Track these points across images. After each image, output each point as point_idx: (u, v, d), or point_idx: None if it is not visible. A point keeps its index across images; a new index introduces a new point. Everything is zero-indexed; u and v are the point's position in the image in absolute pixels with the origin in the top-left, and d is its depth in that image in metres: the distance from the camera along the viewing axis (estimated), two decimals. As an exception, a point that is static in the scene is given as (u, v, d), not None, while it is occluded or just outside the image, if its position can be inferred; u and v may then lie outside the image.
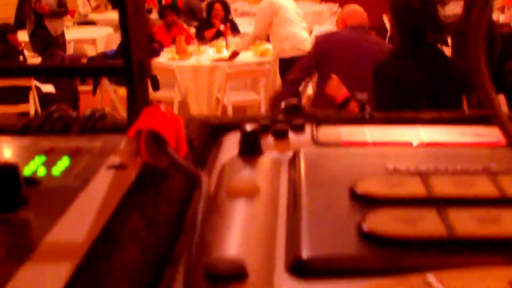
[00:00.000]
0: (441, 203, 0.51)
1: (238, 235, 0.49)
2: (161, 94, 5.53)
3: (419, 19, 2.61)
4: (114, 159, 0.61)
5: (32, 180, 0.56)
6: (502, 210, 0.51)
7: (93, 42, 7.77)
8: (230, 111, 5.17)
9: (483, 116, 0.79)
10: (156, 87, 5.61)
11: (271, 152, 0.67)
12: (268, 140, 0.70)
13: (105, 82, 5.56)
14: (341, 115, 0.83)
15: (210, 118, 0.84)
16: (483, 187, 0.55)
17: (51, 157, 0.62)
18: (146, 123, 0.61)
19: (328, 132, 0.74)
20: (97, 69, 0.75)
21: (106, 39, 7.89)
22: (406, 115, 0.82)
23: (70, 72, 0.77)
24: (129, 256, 0.48)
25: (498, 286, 0.40)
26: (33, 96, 5.29)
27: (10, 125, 0.80)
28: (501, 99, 4.49)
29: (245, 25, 7.29)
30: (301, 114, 0.81)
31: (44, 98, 5.34)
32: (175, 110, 5.24)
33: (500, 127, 0.46)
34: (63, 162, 0.60)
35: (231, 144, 0.72)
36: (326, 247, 0.47)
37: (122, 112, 5.22)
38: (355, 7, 3.72)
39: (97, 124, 0.80)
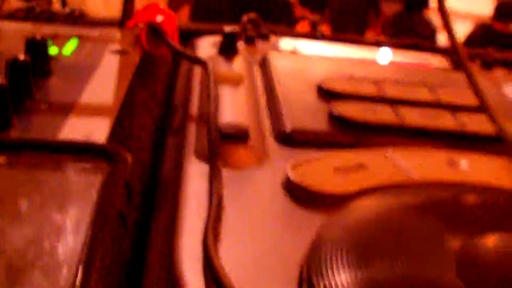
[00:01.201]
0: (392, 102, 0.65)
1: (234, 109, 0.61)
2: None
3: None
4: (116, 46, 0.70)
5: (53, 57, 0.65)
6: (439, 111, 0.65)
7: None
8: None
9: (424, 45, 0.94)
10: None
11: (243, 54, 0.78)
12: (239, 45, 0.81)
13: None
14: (297, 31, 0.95)
15: (179, 23, 0.94)
16: (424, 94, 0.69)
17: (58, 40, 0.71)
18: (147, 16, 0.70)
19: (289, 43, 0.85)
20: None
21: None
22: (355, 37, 0.95)
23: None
24: (143, 119, 0.59)
25: (437, 164, 0.54)
26: None
27: None
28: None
29: None
30: (262, 26, 0.93)
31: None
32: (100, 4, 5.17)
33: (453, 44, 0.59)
34: (72, 43, 0.69)
35: (206, 46, 0.82)
36: (304, 123, 0.60)
37: None
38: None
39: (76, 21, 0.89)
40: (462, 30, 4.96)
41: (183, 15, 2.96)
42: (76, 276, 0.32)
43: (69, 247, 0.34)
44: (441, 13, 0.59)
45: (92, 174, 0.41)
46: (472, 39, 4.74)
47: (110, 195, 0.39)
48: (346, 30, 5.13)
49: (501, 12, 4.60)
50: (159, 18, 0.70)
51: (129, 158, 0.43)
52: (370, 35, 5.35)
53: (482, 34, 4.68)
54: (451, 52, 0.58)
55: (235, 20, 0.94)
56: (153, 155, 0.58)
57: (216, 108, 0.56)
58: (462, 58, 0.58)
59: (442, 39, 5.07)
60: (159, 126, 0.63)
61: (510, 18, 4.67)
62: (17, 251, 0.33)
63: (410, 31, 4.63)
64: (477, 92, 0.58)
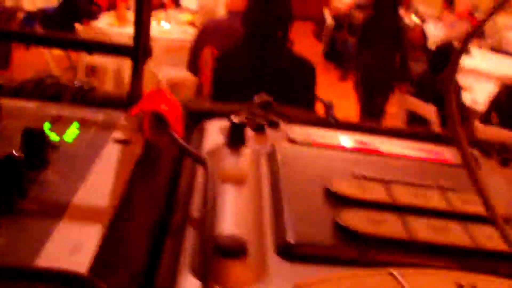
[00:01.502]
0: (401, 210, 0.62)
1: (234, 216, 0.58)
2: (97, 59, 5.49)
3: (263, 10, 2.60)
4: (118, 134, 0.68)
5: (52, 144, 0.63)
6: (451, 222, 0.62)
7: (32, -4, 7.60)
8: (164, 86, 5.17)
9: (437, 135, 0.91)
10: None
11: (251, 143, 0.76)
12: (248, 132, 0.78)
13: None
14: (309, 116, 0.93)
15: (189, 103, 0.92)
16: (435, 200, 0.66)
17: (60, 124, 0.69)
18: (151, 104, 0.69)
19: (299, 131, 0.83)
20: (105, 46, 0.82)
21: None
22: (367, 125, 0.93)
23: (76, 44, 0.83)
24: (141, 222, 0.56)
25: (446, 285, 0.51)
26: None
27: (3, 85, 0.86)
28: (432, 109, 4.67)
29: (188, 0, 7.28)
30: (273, 110, 0.91)
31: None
32: (109, 79, 5.24)
33: (459, 149, 0.56)
34: (73, 129, 0.68)
35: (213, 131, 0.80)
36: (308, 236, 0.57)
37: (54, 71, 5.18)
38: None
39: (86, 96, 0.87)
40: (487, 90, 4.96)
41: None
42: None
43: None
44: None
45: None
46: (498, 100, 4.74)
47: None
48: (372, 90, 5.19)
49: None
50: (163, 107, 0.68)
51: None
52: (395, 98, 5.40)
53: (508, 95, 4.68)
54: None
55: (255, 91, 0.92)
56: (151, 258, 0.55)
57: (213, 218, 0.54)
58: (466, 160, 0.55)
59: (467, 97, 5.09)
60: (158, 226, 0.60)
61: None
62: None
63: (436, 90, 4.65)
64: (484, 201, 0.55)
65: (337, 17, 7.70)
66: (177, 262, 0.52)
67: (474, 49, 6.89)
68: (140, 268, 0.50)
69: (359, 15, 6.90)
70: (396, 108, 5.62)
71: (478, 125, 4.46)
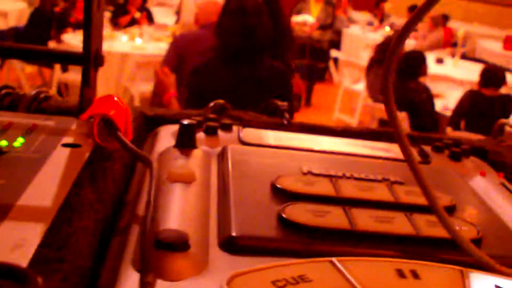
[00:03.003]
0: (346, 203, 0.63)
1: (179, 213, 0.59)
2: (70, 76, 5.49)
3: (237, 25, 2.62)
4: (68, 139, 0.69)
5: (0, 150, 0.64)
6: (394, 213, 0.63)
7: (4, 15, 7.59)
8: (137, 101, 5.19)
9: (381, 132, 0.93)
10: (65, 68, 5.58)
11: (202, 146, 0.77)
12: (200, 135, 0.79)
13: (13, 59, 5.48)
14: (263, 119, 0.94)
15: (146, 110, 0.93)
16: (381, 193, 0.67)
17: (10, 131, 0.69)
18: (100, 109, 0.69)
19: (251, 133, 0.84)
20: (56, 54, 0.83)
21: (18, 13, 7.71)
22: (319, 126, 0.94)
23: (25, 53, 0.84)
24: (85, 223, 0.57)
25: (387, 272, 0.52)
26: None
27: None
28: (404, 117, 4.72)
29: (161, 16, 7.31)
30: (227, 114, 0.92)
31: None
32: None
33: (400, 145, 0.58)
34: (23, 136, 0.68)
35: (166, 136, 0.81)
36: (251, 229, 0.58)
37: (27, 89, 5.16)
38: (208, 2, 3.55)
39: (41, 104, 0.88)
40: (458, 96, 5.04)
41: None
42: None
43: None
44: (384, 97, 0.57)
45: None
46: (462, 105, 4.82)
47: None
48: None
49: (486, 78, 4.72)
50: (112, 111, 0.69)
51: (39, 281, 0.41)
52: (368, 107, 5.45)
53: (472, 99, 4.77)
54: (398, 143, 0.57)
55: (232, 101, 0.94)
56: (96, 259, 0.56)
57: (152, 214, 0.54)
58: (405, 152, 0.57)
59: (439, 103, 5.15)
60: (106, 226, 0.61)
61: (495, 83, 4.77)
62: None
63: (406, 98, 4.71)
64: (424, 191, 0.56)
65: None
66: (121, 259, 0.53)
67: (446, 57, 6.99)
68: (82, 264, 0.51)
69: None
70: (369, 117, 5.68)
71: (448, 130, 4.52)
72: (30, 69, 5.72)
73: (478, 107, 4.70)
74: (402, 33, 0.55)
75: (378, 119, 5.32)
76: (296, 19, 7.25)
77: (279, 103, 0.97)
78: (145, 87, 5.24)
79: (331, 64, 8.02)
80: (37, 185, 0.58)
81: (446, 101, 5.41)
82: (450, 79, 6.23)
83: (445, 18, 8.62)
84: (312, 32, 7.42)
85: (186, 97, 2.71)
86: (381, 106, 4.09)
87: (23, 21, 7.03)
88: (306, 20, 7.39)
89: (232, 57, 2.63)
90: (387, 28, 8.56)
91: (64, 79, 5.48)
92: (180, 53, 3.43)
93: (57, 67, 5.52)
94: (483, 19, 10.67)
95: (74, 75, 5.44)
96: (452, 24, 9.16)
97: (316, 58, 7.56)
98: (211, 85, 2.63)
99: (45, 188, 0.58)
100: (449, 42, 8.56)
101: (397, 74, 4.72)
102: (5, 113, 0.76)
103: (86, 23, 0.74)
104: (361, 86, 6.15)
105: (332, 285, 0.49)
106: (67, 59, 0.80)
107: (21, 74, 5.48)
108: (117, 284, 0.49)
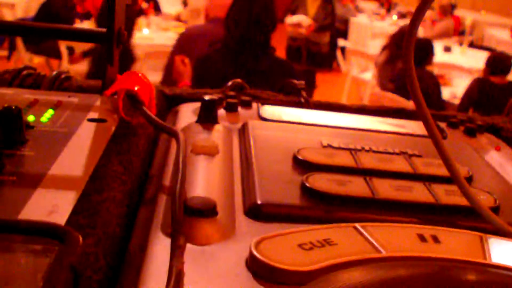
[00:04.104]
0: (366, 173, 0.65)
1: (205, 183, 0.60)
2: (78, 67, 5.50)
3: (245, 14, 2.62)
4: (94, 114, 0.71)
5: (28, 124, 0.65)
6: (414, 183, 0.65)
7: (12, 6, 7.58)
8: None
9: (396, 109, 0.94)
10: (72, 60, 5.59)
11: (223, 122, 0.78)
12: (221, 112, 0.81)
13: (21, 49, 5.50)
14: (280, 97, 0.96)
15: (166, 89, 0.94)
16: (400, 164, 0.69)
17: (37, 107, 0.71)
18: (125, 85, 0.71)
19: (271, 110, 0.86)
20: (79, 33, 0.84)
21: (25, 5, 7.71)
22: (335, 104, 0.96)
23: (50, 32, 0.85)
24: (113, 193, 0.58)
25: (408, 237, 0.53)
26: None
27: None
28: (411, 105, 4.72)
29: (167, 5, 7.31)
30: (245, 92, 0.94)
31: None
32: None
33: (424, 122, 0.59)
34: (50, 111, 0.70)
35: (187, 112, 0.83)
36: (276, 197, 0.59)
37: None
38: None
39: (62, 84, 0.89)
40: (466, 85, 5.03)
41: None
42: None
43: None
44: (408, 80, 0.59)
45: (41, 256, 0.41)
46: (471, 93, 4.81)
47: (53, 281, 0.38)
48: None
49: (493, 66, 4.71)
50: (136, 87, 0.70)
51: (79, 239, 0.43)
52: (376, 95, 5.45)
53: (480, 87, 4.76)
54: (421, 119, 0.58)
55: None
56: (125, 228, 0.57)
57: (183, 182, 0.56)
58: (430, 126, 0.58)
59: (447, 91, 5.16)
60: (133, 197, 0.62)
61: (502, 71, 4.76)
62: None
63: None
64: (446, 162, 0.58)
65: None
66: (150, 225, 0.54)
67: (454, 46, 6.97)
68: (114, 230, 0.53)
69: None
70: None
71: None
72: (38, 59, 5.73)
73: (486, 95, 4.69)
74: (416, 15, 0.56)
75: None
76: (291, 20, 6.56)
77: (296, 82, 0.98)
78: (153, 77, 5.21)
79: (338, 53, 7.95)
80: (66, 157, 0.59)
81: (455, 89, 5.41)
82: (458, 67, 6.22)
83: (452, 6, 8.60)
84: (309, 33, 6.57)
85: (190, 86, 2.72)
86: (389, 95, 4.09)
87: (31, 13, 7.04)
88: (300, 21, 6.53)
89: (237, 48, 2.65)
90: (395, 17, 8.55)
91: (71, 69, 5.49)
92: (187, 46, 3.41)
93: (65, 58, 5.54)
94: (490, 7, 10.63)
95: (82, 66, 5.45)
96: (459, 12, 9.15)
97: (314, 64, 6.69)
98: (215, 75, 2.64)
99: (74, 159, 0.59)
100: (457, 31, 8.55)
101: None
102: (30, 91, 0.78)
103: (109, 2, 0.75)
104: (368, 75, 6.14)
105: (356, 248, 0.50)
106: (91, 37, 0.81)
107: (29, 65, 5.48)
108: (148, 247, 0.50)
